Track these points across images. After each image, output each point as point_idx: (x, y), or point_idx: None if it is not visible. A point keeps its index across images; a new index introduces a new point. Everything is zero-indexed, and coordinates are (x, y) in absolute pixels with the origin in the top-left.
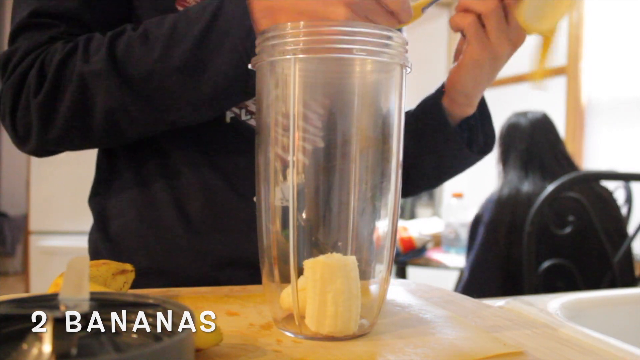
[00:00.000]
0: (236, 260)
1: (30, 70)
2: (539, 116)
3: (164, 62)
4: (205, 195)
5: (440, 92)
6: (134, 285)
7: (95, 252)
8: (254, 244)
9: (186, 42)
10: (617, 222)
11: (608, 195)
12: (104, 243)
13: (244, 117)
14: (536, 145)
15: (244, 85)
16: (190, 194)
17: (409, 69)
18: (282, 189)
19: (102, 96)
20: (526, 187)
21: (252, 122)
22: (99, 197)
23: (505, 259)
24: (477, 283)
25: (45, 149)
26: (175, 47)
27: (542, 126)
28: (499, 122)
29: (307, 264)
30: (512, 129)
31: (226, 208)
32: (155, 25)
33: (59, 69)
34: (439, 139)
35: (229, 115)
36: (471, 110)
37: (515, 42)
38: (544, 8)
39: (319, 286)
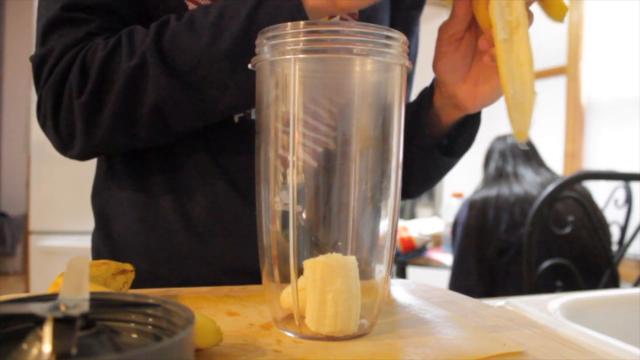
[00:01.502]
0: (241, 267)
1: (70, 69)
2: None
3: (212, 49)
4: (210, 199)
5: (430, 97)
6: (134, 288)
7: (97, 253)
8: None
9: (234, 26)
10: (599, 219)
11: (585, 193)
12: (105, 243)
13: (254, 117)
14: (512, 154)
15: None
16: (194, 197)
17: (409, 69)
18: (282, 195)
19: (150, 90)
20: (496, 190)
21: None
22: (99, 196)
23: (478, 259)
24: (459, 282)
25: (89, 152)
26: (223, 32)
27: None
28: (497, 122)
29: (307, 264)
30: (492, 149)
31: (231, 213)
32: (201, 13)
33: (102, 66)
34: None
35: (237, 115)
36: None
37: None
38: None
39: (319, 286)
